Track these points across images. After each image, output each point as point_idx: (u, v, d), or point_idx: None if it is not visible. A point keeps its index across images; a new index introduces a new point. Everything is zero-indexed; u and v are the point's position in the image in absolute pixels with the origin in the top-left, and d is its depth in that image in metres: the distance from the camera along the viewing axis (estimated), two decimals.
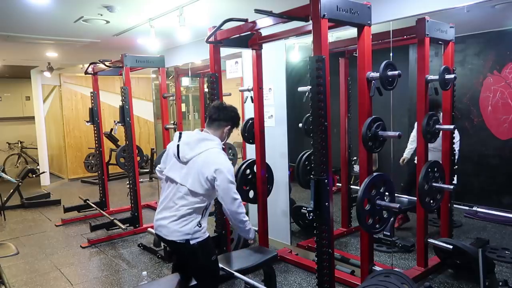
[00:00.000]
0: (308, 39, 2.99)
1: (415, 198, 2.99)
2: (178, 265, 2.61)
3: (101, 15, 3.57)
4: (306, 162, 3.53)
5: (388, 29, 2.96)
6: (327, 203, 2.26)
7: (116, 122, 4.80)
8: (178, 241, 2.23)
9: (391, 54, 3.05)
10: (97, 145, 5.29)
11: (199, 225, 2.25)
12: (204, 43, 3.08)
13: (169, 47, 5.31)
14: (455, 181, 3.25)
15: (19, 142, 8.90)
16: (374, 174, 2.37)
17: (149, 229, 4.05)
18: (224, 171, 2.22)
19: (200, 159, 2.24)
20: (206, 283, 2.40)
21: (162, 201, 2.35)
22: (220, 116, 2.38)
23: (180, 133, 2.37)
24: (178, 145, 2.31)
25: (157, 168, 2.52)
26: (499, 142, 4.01)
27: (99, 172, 5.37)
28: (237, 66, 4.11)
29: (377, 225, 2.41)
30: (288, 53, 3.74)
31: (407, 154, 4.13)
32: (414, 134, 4.07)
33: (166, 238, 2.27)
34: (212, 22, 3.11)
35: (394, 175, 3.74)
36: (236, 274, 2.57)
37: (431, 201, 2.90)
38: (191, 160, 2.25)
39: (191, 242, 2.22)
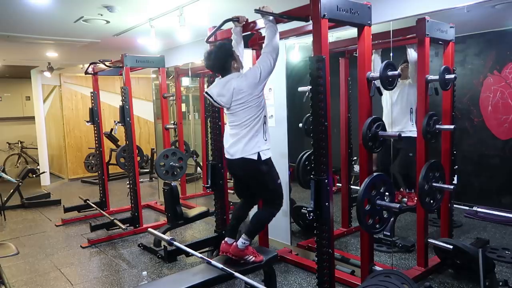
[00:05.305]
0: (308, 39, 2.99)
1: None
2: (244, 189, 2.80)
3: (101, 15, 3.57)
4: (306, 162, 3.53)
5: (388, 29, 2.96)
6: (327, 203, 2.26)
7: (116, 122, 4.80)
8: (248, 157, 2.48)
9: (391, 54, 3.06)
10: (97, 145, 5.29)
11: (265, 139, 2.54)
12: (204, 43, 3.07)
13: (169, 47, 5.31)
14: (455, 181, 3.25)
15: (19, 142, 8.90)
16: (374, 174, 2.38)
17: (149, 229, 4.03)
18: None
19: (237, 88, 2.48)
20: (271, 207, 2.66)
21: (228, 137, 2.62)
22: (218, 64, 2.58)
23: (207, 93, 2.59)
24: (215, 101, 2.57)
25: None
26: (499, 142, 4.01)
27: (99, 172, 5.37)
28: None
29: (377, 225, 2.41)
30: (288, 53, 3.73)
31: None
32: (385, 99, 3.76)
33: (235, 157, 2.53)
34: (212, 22, 3.11)
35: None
36: (236, 274, 2.56)
37: (431, 201, 2.90)
38: (232, 103, 2.51)
39: (262, 157, 2.50)
